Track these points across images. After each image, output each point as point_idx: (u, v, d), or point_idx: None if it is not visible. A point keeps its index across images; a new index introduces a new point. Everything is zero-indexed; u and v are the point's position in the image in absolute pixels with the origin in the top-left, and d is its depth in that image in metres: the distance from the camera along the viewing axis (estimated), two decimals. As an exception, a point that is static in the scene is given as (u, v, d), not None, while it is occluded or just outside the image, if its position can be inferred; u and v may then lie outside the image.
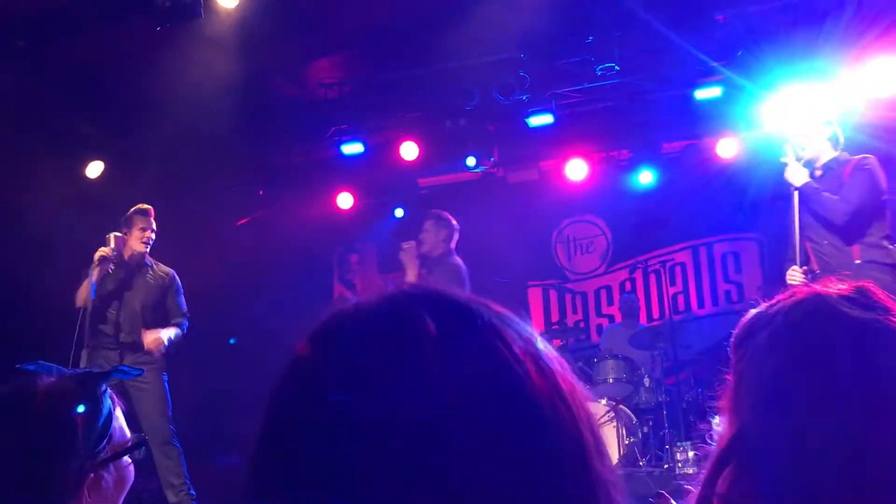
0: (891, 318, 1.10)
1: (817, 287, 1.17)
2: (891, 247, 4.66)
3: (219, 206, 6.32)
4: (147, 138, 6.37)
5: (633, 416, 6.60)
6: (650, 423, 6.64)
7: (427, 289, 0.73)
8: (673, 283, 8.89)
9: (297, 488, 0.64)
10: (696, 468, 5.44)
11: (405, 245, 6.04)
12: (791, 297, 1.17)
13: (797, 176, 4.81)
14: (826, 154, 4.91)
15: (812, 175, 4.86)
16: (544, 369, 0.69)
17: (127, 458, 1.58)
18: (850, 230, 4.67)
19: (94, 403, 1.53)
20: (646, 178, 8.35)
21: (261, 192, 8.53)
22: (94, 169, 7.24)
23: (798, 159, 4.85)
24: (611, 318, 8.83)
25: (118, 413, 1.60)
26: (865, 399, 1.04)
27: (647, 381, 6.85)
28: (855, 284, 1.16)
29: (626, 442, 6.42)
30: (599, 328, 8.76)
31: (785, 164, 4.87)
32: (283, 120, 7.50)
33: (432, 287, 0.73)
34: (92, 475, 1.49)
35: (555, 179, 8.78)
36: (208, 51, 5.92)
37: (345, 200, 8.90)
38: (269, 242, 8.21)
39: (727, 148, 7.74)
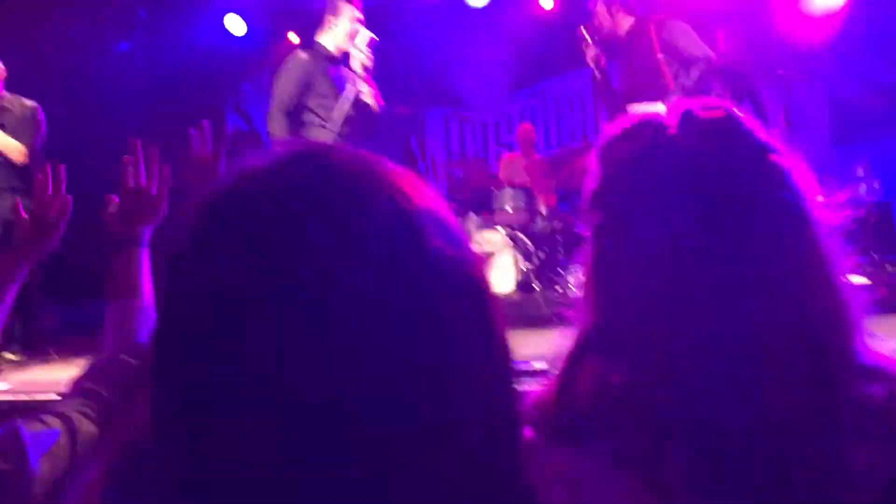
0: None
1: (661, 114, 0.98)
2: None
3: (93, 24, 5.79)
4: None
5: (529, 242, 6.76)
6: (546, 249, 6.81)
7: (324, 152, 0.68)
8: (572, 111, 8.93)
9: (194, 363, 0.61)
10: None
11: None
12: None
13: None
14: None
15: None
16: (447, 235, 0.66)
17: None
18: None
19: None
20: (547, 2, 8.10)
21: (142, 14, 7.90)
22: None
23: None
24: (510, 146, 8.84)
25: None
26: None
27: (543, 209, 6.97)
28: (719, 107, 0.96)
29: (523, 268, 6.60)
30: (499, 157, 8.78)
31: None
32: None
33: (327, 149, 0.69)
34: None
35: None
36: None
37: (236, 25, 8.36)
38: (154, 72, 7.70)
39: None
